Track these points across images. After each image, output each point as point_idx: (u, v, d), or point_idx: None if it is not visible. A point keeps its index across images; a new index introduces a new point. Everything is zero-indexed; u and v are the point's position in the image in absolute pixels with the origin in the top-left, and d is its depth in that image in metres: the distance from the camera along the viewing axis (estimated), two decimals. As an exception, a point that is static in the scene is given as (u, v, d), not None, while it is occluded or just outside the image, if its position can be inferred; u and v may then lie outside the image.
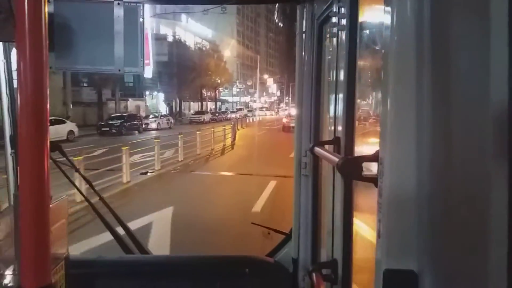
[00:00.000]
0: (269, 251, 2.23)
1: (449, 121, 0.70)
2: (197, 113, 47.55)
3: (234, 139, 23.17)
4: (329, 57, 1.69)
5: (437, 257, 0.71)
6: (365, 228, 1.30)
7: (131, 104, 41.21)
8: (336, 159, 1.12)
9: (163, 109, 52.35)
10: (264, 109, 76.31)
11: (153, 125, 33.48)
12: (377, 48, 1.19)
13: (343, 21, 1.35)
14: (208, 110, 56.50)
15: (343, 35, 1.35)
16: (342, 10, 1.36)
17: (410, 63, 0.74)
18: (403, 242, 0.75)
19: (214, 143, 19.16)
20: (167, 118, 36.87)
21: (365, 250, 1.26)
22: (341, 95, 1.36)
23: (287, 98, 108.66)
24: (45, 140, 0.84)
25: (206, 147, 18.14)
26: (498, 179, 0.58)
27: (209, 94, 62.99)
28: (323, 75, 1.82)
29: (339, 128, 1.38)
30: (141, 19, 1.68)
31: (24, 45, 0.82)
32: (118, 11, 1.64)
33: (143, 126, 31.47)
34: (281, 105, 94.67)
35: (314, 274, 1.39)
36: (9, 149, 2.10)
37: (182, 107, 55.10)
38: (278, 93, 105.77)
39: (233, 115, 53.22)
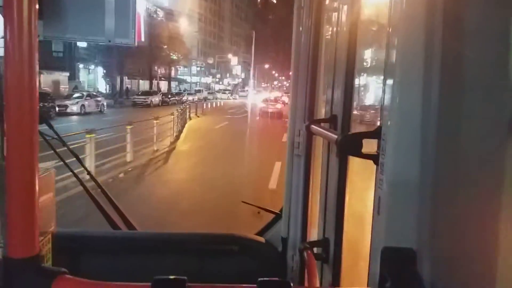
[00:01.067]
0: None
1: (457, 98, 0.67)
2: (143, 93, 38.32)
3: (177, 137, 15.30)
4: (328, 34, 1.71)
5: (436, 236, 0.71)
6: (358, 207, 1.29)
7: (46, 78, 30.83)
8: (335, 136, 1.12)
9: (103, 87, 43.13)
10: (226, 91, 67.78)
11: (74, 108, 24.63)
12: (373, 29, 1.25)
13: None
14: (162, 90, 47.80)
15: (344, 10, 1.35)
16: None
17: (419, 38, 0.71)
18: (403, 220, 0.75)
19: (142, 144, 11.39)
20: (96, 99, 27.81)
21: (359, 228, 1.24)
22: (340, 73, 1.36)
23: (252, 81, 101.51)
24: (34, 111, 0.83)
25: (120, 156, 10.32)
26: (506, 161, 0.56)
27: (163, 72, 54.18)
28: (320, 53, 1.78)
29: (337, 106, 1.39)
30: None
31: (12, 12, 0.80)
32: None
33: (56, 109, 22.47)
34: (246, 88, 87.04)
35: (305, 253, 1.39)
36: None
37: (129, 86, 46.05)
38: (243, 75, 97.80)
39: (190, 98, 45.21)
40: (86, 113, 24.97)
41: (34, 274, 0.83)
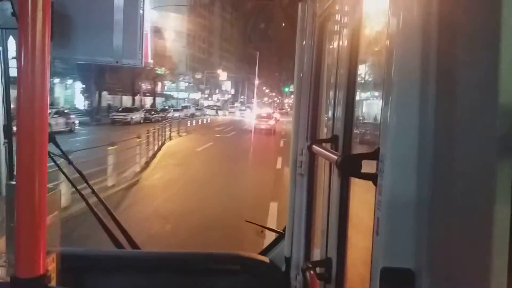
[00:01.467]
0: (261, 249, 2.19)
1: (452, 119, 0.70)
2: (124, 110, 35.49)
3: (147, 164, 12.49)
4: (330, 55, 1.71)
5: (434, 257, 0.72)
6: (360, 227, 1.28)
7: (13, 94, 28.06)
8: (335, 157, 1.15)
9: (81, 103, 40.17)
10: (215, 107, 64.77)
11: (38, 127, 21.56)
12: (376, 49, 1.24)
13: (346, 19, 1.37)
14: (147, 106, 44.94)
15: (345, 33, 1.36)
16: (346, 8, 1.38)
17: (415, 60, 0.74)
18: (401, 241, 0.76)
19: (95, 177, 8.48)
20: (67, 116, 25.02)
21: (359, 249, 1.25)
22: (341, 93, 1.37)
23: (242, 97, 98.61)
24: (44, 130, 0.84)
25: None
26: (500, 180, 0.57)
27: (148, 87, 51.40)
28: (322, 73, 1.81)
29: (338, 126, 1.41)
30: (141, 10, 1.66)
31: (26, 33, 0.81)
32: (118, 1, 1.61)
33: (14, 129, 19.56)
34: (236, 104, 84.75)
35: (307, 273, 1.40)
36: (2, 139, 1.96)
37: (112, 102, 43.13)
38: (233, 91, 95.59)
39: (176, 114, 42.44)
40: (52, 133, 21.94)
41: None
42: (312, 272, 1.39)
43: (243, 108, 67.13)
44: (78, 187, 2.17)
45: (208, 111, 58.44)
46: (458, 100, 0.68)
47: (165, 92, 61.23)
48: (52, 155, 1.93)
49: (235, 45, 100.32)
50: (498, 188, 0.57)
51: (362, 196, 1.22)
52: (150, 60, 44.30)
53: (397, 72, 0.76)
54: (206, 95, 78.52)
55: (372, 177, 0.86)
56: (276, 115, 34.70)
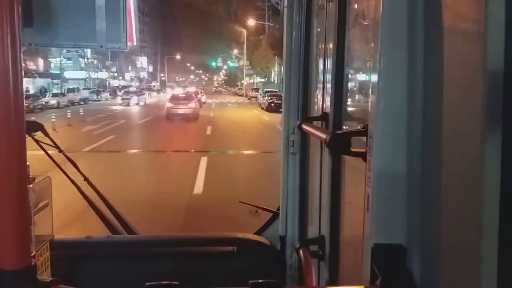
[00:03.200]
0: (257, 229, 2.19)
1: (440, 92, 0.69)
2: None
3: None
4: (318, 30, 1.71)
5: (425, 232, 0.72)
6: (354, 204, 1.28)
7: None
8: (324, 135, 1.14)
9: None
10: (127, 91, 41.58)
11: None
12: (365, 22, 1.21)
13: None
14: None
15: (332, 8, 1.35)
16: None
17: (403, 33, 0.74)
18: (391, 217, 0.76)
19: None
20: None
21: (352, 225, 1.25)
22: (330, 70, 1.36)
23: (162, 74, 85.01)
24: (21, 118, 0.83)
25: None
26: (490, 154, 0.56)
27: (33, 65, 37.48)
28: (311, 50, 1.78)
29: (327, 103, 1.39)
30: None
31: None
32: None
33: None
34: (153, 83, 71.75)
35: (301, 251, 1.43)
36: None
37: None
38: (150, 68, 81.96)
39: (53, 101, 29.86)
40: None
41: (27, 286, 0.82)
42: (305, 250, 1.43)
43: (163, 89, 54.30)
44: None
45: (116, 98, 41.22)
46: (446, 72, 0.67)
47: (52, 72, 46.81)
48: (41, 144, 2.00)
49: (152, 16, 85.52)
50: (489, 162, 0.55)
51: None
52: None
53: (384, 47, 0.75)
54: (115, 74, 64.36)
55: (362, 154, 0.85)
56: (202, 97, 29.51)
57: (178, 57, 75.35)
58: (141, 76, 74.73)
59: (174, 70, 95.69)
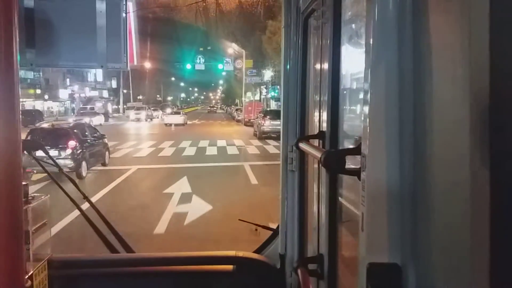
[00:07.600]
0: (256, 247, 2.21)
1: (431, 114, 0.69)
2: None
3: None
4: (314, 49, 1.74)
5: (420, 250, 0.72)
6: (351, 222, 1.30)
7: None
8: (319, 153, 1.14)
9: None
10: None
11: None
12: (360, 42, 1.22)
13: (327, 14, 1.39)
14: None
15: (327, 29, 1.37)
16: (327, 2, 1.40)
17: (393, 57, 0.76)
18: (386, 236, 0.76)
19: None
20: None
21: (351, 244, 1.25)
22: (326, 89, 1.38)
23: (125, 91, 61.64)
24: (17, 138, 0.82)
25: None
26: (481, 172, 0.56)
27: None
28: (308, 69, 1.82)
29: (324, 122, 1.41)
30: (124, 14, 1.64)
31: None
32: (101, 6, 1.61)
33: None
34: (114, 105, 48.98)
35: (300, 270, 1.43)
36: None
37: None
38: (114, 83, 59.21)
39: None
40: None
41: None
42: (304, 269, 1.43)
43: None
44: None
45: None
46: (434, 94, 0.68)
47: None
48: (41, 162, 2.05)
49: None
50: (480, 181, 0.56)
51: None
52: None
53: (375, 67, 0.77)
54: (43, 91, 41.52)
55: (357, 173, 0.85)
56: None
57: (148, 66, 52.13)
58: (97, 94, 51.96)
59: (155, 86, 73.23)
